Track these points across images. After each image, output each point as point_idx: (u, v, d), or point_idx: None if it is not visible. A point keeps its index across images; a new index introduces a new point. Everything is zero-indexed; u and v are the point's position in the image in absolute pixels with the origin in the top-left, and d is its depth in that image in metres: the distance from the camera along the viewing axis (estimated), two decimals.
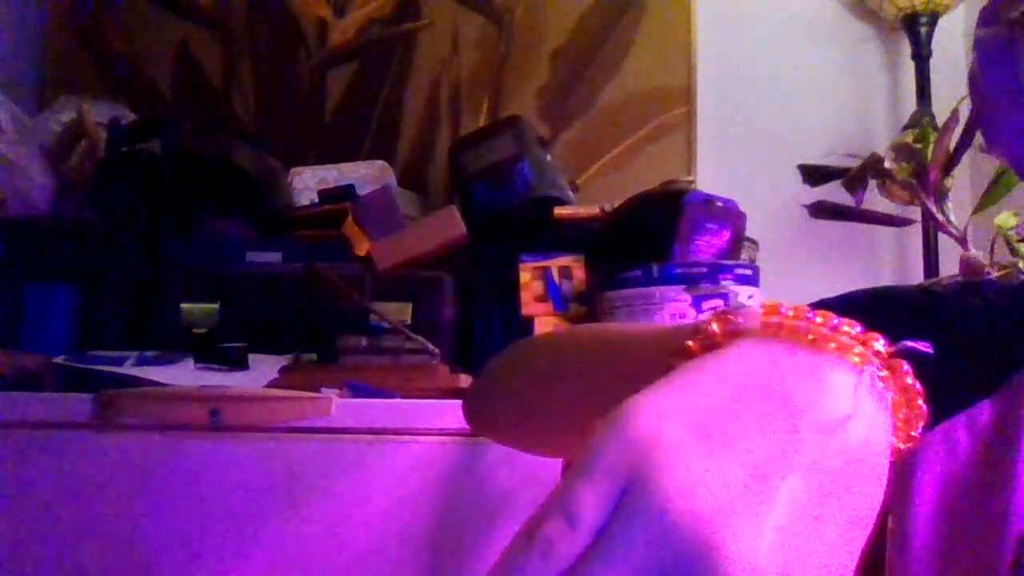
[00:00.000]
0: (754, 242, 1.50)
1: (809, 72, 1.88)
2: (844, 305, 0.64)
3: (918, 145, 1.49)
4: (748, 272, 1.29)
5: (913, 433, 0.40)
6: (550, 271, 1.39)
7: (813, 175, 1.56)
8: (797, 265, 1.74)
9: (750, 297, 1.27)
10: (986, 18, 0.66)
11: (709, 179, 1.73)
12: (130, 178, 1.49)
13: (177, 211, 1.49)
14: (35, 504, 1.12)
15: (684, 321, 1.23)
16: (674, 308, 1.25)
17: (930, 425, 0.62)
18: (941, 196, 1.46)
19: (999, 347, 0.62)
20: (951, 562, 0.59)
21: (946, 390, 0.62)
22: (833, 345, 0.37)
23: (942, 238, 1.60)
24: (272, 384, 1.21)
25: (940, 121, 1.50)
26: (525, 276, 1.39)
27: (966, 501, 0.59)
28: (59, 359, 1.25)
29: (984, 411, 0.60)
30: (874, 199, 1.60)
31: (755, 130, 1.86)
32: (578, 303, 1.39)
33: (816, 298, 0.63)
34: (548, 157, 1.61)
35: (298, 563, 1.10)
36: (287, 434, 1.13)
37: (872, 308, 0.64)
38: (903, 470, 0.62)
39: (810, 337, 0.37)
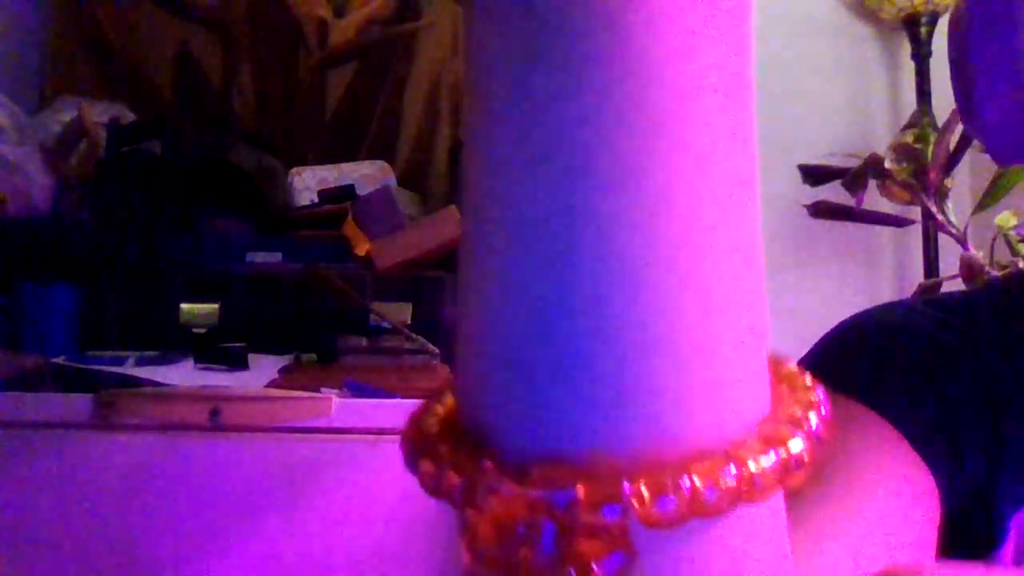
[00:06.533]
0: None
1: (809, 72, 1.88)
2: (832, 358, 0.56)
3: (918, 145, 1.49)
4: None
5: None
6: None
7: (813, 175, 1.56)
8: (797, 265, 1.74)
9: None
10: None
11: None
12: (130, 178, 1.49)
13: (177, 211, 1.49)
14: (35, 504, 1.12)
15: None
16: None
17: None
18: (941, 196, 1.46)
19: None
20: None
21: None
22: None
23: (942, 238, 1.60)
24: (272, 384, 1.21)
25: (940, 121, 1.50)
26: None
27: None
28: (59, 359, 1.25)
29: None
30: (874, 199, 1.60)
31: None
32: None
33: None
34: None
35: (298, 563, 1.10)
36: (287, 434, 1.13)
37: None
38: None
39: None
